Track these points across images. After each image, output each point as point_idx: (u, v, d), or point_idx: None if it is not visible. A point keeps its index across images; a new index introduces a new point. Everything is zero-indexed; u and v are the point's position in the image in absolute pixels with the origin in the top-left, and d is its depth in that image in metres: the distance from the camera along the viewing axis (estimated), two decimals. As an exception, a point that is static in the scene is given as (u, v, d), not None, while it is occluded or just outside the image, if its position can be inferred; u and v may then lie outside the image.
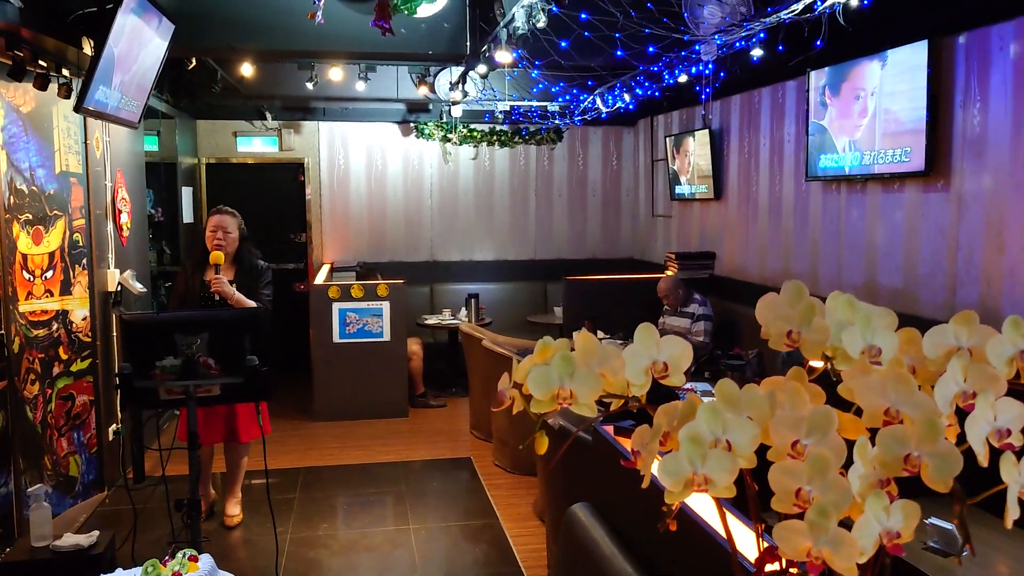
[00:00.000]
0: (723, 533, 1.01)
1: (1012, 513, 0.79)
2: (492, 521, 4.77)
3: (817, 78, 5.34)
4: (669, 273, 6.96)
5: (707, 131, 7.03)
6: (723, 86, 6.15)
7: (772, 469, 0.85)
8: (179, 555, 2.19)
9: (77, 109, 4.19)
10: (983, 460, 0.82)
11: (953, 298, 4.47)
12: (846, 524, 0.85)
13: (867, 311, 0.92)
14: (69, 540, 3.41)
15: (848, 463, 0.88)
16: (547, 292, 8.74)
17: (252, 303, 4.40)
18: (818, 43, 3.82)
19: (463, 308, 7.78)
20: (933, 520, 2.91)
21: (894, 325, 0.93)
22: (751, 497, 0.99)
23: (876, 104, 4.82)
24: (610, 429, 2.59)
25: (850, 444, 0.88)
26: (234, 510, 4.70)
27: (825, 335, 0.91)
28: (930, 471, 0.82)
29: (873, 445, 0.86)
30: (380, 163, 8.64)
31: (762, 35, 4.21)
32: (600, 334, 6.03)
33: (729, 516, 1.05)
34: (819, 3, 3.48)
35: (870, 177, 4.98)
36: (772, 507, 0.85)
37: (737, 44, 4.36)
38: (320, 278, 7.48)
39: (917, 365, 0.95)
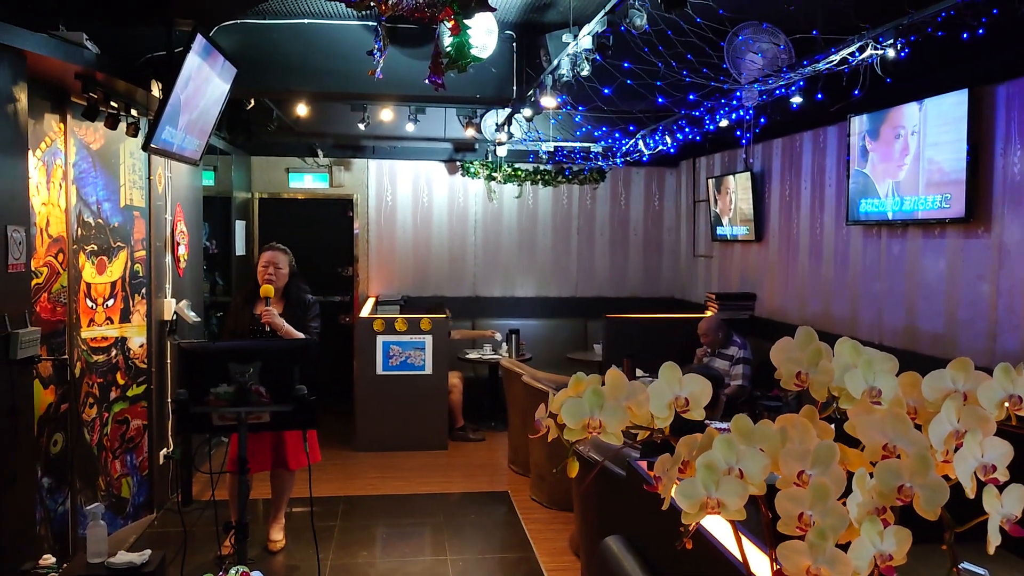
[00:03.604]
0: (755, 570, 1.10)
1: (993, 540, 0.88)
2: (528, 555, 4.82)
3: (859, 124, 5.40)
4: (709, 313, 7.00)
5: (748, 174, 7.11)
6: (764, 130, 6.25)
7: (778, 496, 0.95)
8: (232, 571, 2.32)
9: (145, 148, 4.44)
10: (970, 492, 0.91)
11: (994, 344, 4.46)
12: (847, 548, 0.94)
13: (869, 356, 1.02)
14: (123, 558, 3.56)
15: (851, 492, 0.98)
16: (587, 329, 8.81)
17: (300, 335, 4.57)
18: (856, 92, 3.91)
19: (504, 343, 7.88)
20: (965, 565, 2.92)
21: (894, 369, 1.02)
22: (765, 524, 1.09)
23: (918, 146, 4.86)
24: (644, 464, 2.67)
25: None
26: (278, 535, 4.83)
27: (829, 376, 1.01)
28: (921, 501, 0.91)
29: (872, 477, 0.95)
30: (426, 200, 8.85)
31: (801, 83, 4.31)
32: (639, 372, 6.09)
33: (750, 544, 1.15)
34: (856, 55, 3.57)
35: (911, 222, 5.01)
36: (778, 529, 0.95)
37: (777, 91, 4.47)
38: (365, 311, 7.66)
39: (918, 406, 1.04)
